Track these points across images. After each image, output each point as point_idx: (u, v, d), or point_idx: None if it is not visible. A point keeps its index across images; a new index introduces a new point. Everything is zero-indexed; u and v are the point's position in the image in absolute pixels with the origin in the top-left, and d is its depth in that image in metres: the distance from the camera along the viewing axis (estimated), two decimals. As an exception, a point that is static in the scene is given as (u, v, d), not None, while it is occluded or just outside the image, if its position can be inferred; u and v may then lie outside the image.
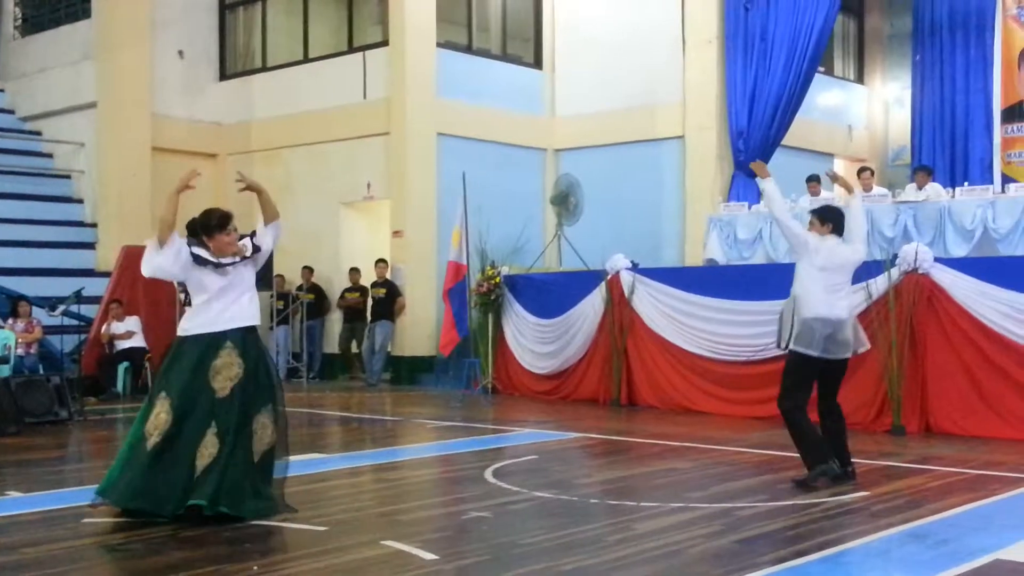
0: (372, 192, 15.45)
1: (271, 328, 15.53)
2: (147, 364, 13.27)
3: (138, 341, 13.37)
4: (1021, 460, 7.77)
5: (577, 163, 15.81)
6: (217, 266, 6.06)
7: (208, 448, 5.82)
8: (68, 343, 13.30)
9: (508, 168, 15.77)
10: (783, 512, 6.04)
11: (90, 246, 16.00)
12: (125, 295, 13.65)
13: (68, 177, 16.75)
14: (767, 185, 7.13)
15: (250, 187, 6.41)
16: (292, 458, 6.26)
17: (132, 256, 13.98)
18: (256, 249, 6.21)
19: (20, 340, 11.93)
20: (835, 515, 5.98)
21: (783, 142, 15.04)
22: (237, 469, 5.81)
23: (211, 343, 5.95)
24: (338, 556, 5.13)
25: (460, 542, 5.52)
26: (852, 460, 6.95)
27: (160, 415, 5.85)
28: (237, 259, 6.12)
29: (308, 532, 5.62)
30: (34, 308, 12.70)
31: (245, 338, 6.02)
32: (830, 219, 6.97)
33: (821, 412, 6.99)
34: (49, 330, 12.84)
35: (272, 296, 15.28)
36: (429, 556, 5.07)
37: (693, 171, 15.05)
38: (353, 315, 15.35)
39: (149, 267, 6.24)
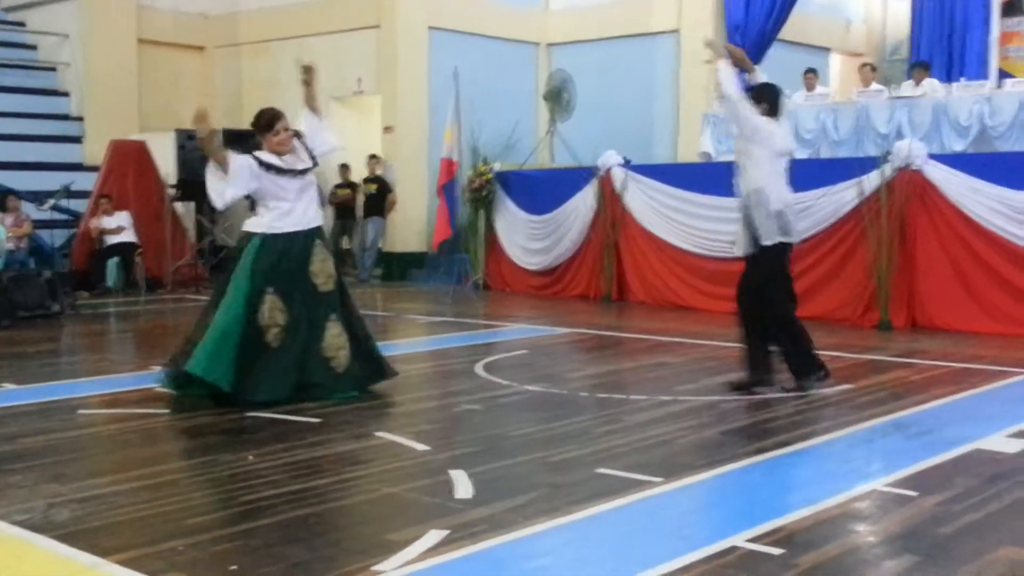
0: (362, 87, 15.25)
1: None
2: (138, 259, 13.26)
3: (128, 236, 13.34)
4: (1004, 354, 7.89)
5: (570, 58, 15.59)
6: (293, 173, 6.28)
7: (337, 342, 6.26)
8: (58, 238, 13.27)
9: (500, 63, 15.55)
10: (768, 405, 6.15)
11: (77, 140, 15.82)
12: (114, 190, 13.57)
13: (53, 69, 16.46)
14: (722, 65, 6.44)
15: (308, 78, 6.56)
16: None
17: (121, 150, 13.91)
18: (314, 161, 6.42)
19: (10, 234, 11.90)
20: (819, 407, 6.09)
21: (780, 36, 14.81)
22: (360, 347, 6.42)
23: (305, 241, 6.27)
24: (332, 447, 5.22)
25: (451, 434, 5.62)
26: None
27: (273, 311, 6.09)
28: (310, 164, 6.36)
29: (302, 423, 5.71)
30: (23, 202, 12.63)
31: (324, 236, 6.49)
32: (766, 98, 6.41)
33: (790, 304, 6.62)
34: (39, 225, 12.80)
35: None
36: (421, 447, 5.17)
37: (687, 66, 14.84)
38: (344, 211, 15.29)
39: (222, 199, 6.26)
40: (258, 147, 6.35)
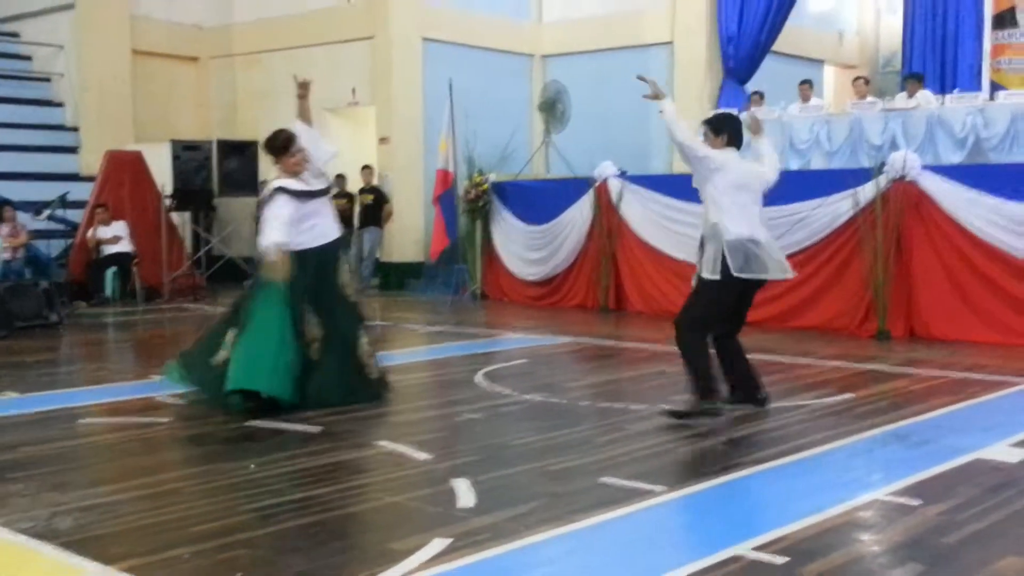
0: (357, 98, 15.27)
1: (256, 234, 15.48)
2: (135, 269, 13.24)
3: (125, 246, 13.31)
4: (1003, 363, 7.91)
5: (564, 69, 15.64)
6: (316, 195, 6.48)
7: (369, 349, 6.57)
8: (55, 248, 13.26)
9: (495, 74, 15.59)
10: (768, 414, 6.16)
11: (72, 150, 15.82)
12: (110, 200, 13.55)
13: (48, 80, 16.47)
14: (666, 105, 6.22)
15: (303, 92, 6.79)
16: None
17: (116, 161, 13.90)
18: (327, 184, 6.70)
19: (6, 245, 11.89)
20: (819, 417, 6.11)
21: (773, 48, 14.89)
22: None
23: (332, 254, 6.52)
24: (333, 456, 5.22)
25: (453, 443, 5.62)
26: (764, 388, 6.30)
27: (311, 326, 6.28)
28: (329, 185, 6.68)
29: (303, 433, 5.71)
30: (19, 213, 12.61)
31: (345, 247, 6.81)
32: (725, 128, 6.16)
33: (728, 339, 6.28)
34: (35, 235, 12.78)
35: (258, 202, 15.19)
36: (422, 456, 5.16)
37: (681, 77, 14.91)
38: (341, 221, 15.27)
39: (278, 240, 6.26)
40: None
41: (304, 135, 6.55)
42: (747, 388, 6.23)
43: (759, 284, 6.17)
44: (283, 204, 6.29)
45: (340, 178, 15.15)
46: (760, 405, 6.19)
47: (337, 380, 6.33)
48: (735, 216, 5.95)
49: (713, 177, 6.01)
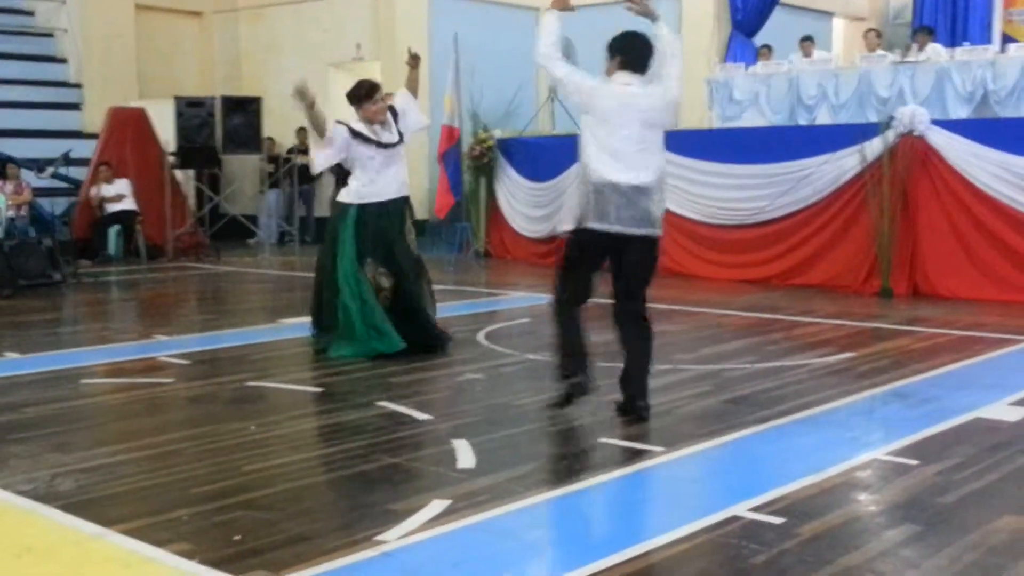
0: (362, 53, 15.14)
1: (261, 192, 15.46)
2: (138, 227, 13.24)
3: (129, 204, 13.30)
4: (1006, 321, 7.89)
5: (571, 24, 15.38)
6: (379, 145, 6.65)
7: (431, 300, 6.91)
8: (58, 206, 13.23)
9: (500, 29, 15.43)
10: (770, 373, 6.16)
11: (75, 107, 15.75)
12: (113, 157, 13.51)
13: (51, 36, 16.35)
14: (548, 18, 5.35)
15: (414, 63, 6.99)
16: (289, 321, 6.39)
17: (119, 118, 13.84)
18: (401, 137, 6.79)
19: (10, 202, 11.87)
20: (820, 376, 6.10)
21: (782, 1, 14.71)
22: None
23: (395, 208, 6.69)
24: (334, 416, 5.24)
25: (453, 403, 5.63)
26: (647, 398, 5.14)
27: (378, 276, 6.59)
28: (396, 139, 6.72)
29: (304, 393, 5.73)
30: (22, 170, 12.58)
31: (411, 205, 6.92)
32: (619, 50, 5.19)
33: (620, 317, 5.30)
34: (38, 192, 12.75)
35: (262, 159, 15.15)
36: (423, 416, 5.18)
37: (689, 30, 14.71)
38: (344, 178, 15.23)
39: (317, 163, 6.90)
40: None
41: (402, 99, 6.85)
42: (626, 392, 5.17)
43: (640, 241, 5.07)
44: (338, 131, 6.55)
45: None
46: (638, 416, 5.07)
47: (406, 330, 6.59)
48: (602, 156, 4.98)
49: (587, 107, 5.11)
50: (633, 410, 5.08)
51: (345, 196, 6.77)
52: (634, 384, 5.12)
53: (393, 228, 6.70)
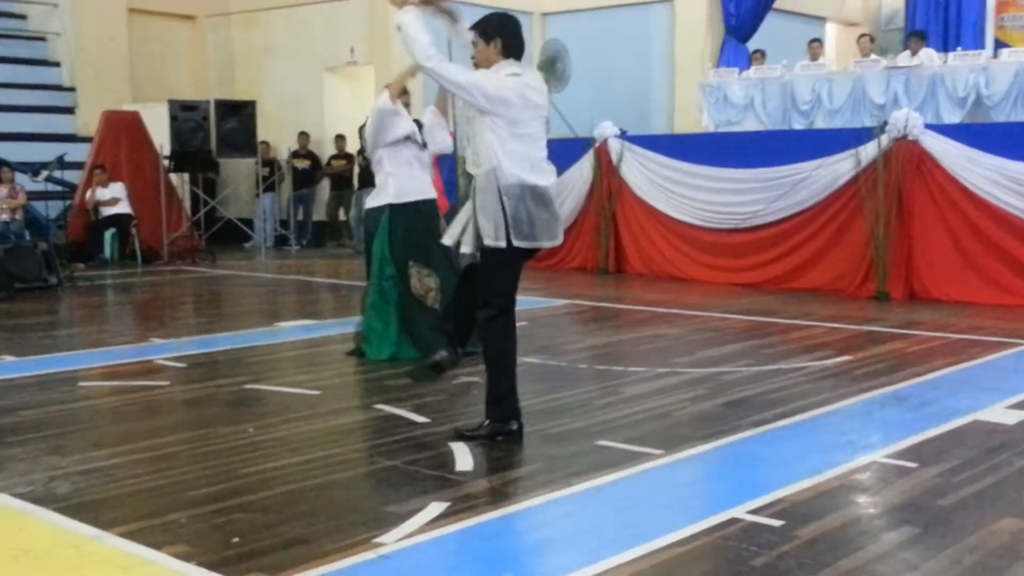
0: (355, 57, 15.14)
1: (256, 195, 15.45)
2: (134, 230, 13.22)
3: (124, 207, 13.29)
4: (1002, 324, 7.90)
5: (564, 27, 15.48)
6: (417, 141, 6.63)
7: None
8: (53, 210, 13.21)
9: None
10: (766, 376, 6.16)
11: (69, 110, 15.73)
12: (108, 161, 13.49)
13: (43, 39, 16.33)
14: (406, 18, 4.54)
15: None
16: (285, 324, 6.37)
17: (113, 121, 13.82)
18: (423, 144, 6.72)
19: (4, 206, 11.86)
20: (817, 379, 6.11)
21: (776, 6, 14.75)
22: None
23: (431, 207, 6.70)
24: (332, 419, 5.23)
25: (451, 406, 5.62)
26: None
27: (422, 279, 6.58)
28: (420, 141, 6.70)
29: (302, 396, 5.71)
30: (17, 174, 12.56)
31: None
32: (497, 32, 4.62)
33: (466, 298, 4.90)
34: (33, 196, 12.74)
35: (257, 163, 15.14)
36: (421, 419, 5.17)
37: (682, 36, 14.78)
38: (340, 182, 15.24)
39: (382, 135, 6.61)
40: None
41: (430, 117, 6.70)
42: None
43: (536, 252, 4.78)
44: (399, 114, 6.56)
45: (340, 138, 15.09)
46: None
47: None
48: (517, 161, 4.57)
49: (490, 109, 4.53)
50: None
51: (377, 199, 6.67)
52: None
53: (430, 226, 6.64)
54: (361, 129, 6.96)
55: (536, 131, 4.64)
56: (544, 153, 4.70)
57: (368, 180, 14.43)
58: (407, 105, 6.73)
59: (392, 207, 6.58)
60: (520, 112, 4.57)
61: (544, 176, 4.66)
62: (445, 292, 6.51)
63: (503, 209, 4.54)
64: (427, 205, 6.71)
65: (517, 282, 4.80)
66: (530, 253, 4.71)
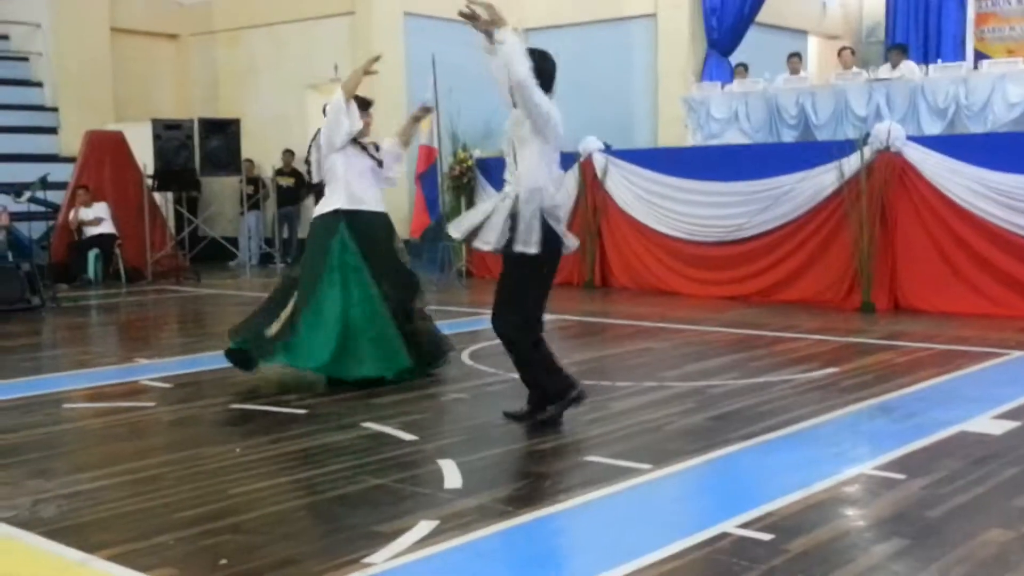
0: (338, 74, 15.12)
1: (241, 214, 15.41)
2: (117, 250, 13.16)
3: (107, 227, 13.23)
4: (987, 335, 7.94)
5: (547, 43, 15.38)
6: (369, 153, 6.63)
7: (426, 314, 6.71)
8: (36, 230, 13.14)
9: (478, 49, 15.39)
10: (754, 389, 6.17)
11: (52, 131, 15.66)
12: (91, 181, 13.45)
13: (26, 59, 16.27)
14: (508, 35, 5.20)
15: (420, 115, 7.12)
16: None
17: (97, 141, 13.78)
18: (378, 161, 6.72)
19: (-13, 227, 11.77)
20: (805, 391, 6.12)
21: (756, 19, 14.84)
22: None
23: (384, 220, 6.64)
24: (318, 438, 5.20)
25: (438, 424, 5.61)
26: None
27: (363, 288, 6.40)
28: (380, 157, 6.70)
29: (288, 415, 5.69)
30: (-1, 195, 12.50)
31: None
32: (545, 71, 5.30)
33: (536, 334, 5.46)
34: (16, 217, 12.66)
35: (241, 181, 15.11)
36: (408, 437, 5.15)
37: (665, 50, 14.85)
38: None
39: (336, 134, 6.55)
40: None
41: (391, 147, 6.81)
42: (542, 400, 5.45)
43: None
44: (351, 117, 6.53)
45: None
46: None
47: (383, 350, 6.37)
48: (554, 180, 5.28)
49: (548, 136, 5.19)
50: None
51: (328, 205, 6.57)
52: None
53: (383, 239, 6.64)
54: (310, 146, 6.83)
55: (558, 156, 5.39)
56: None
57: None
58: (367, 125, 6.67)
59: (346, 212, 6.49)
60: (558, 137, 5.28)
61: (562, 194, 5.48)
62: (389, 307, 6.44)
63: (547, 220, 5.16)
64: (381, 218, 6.66)
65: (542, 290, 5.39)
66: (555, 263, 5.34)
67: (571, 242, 5.40)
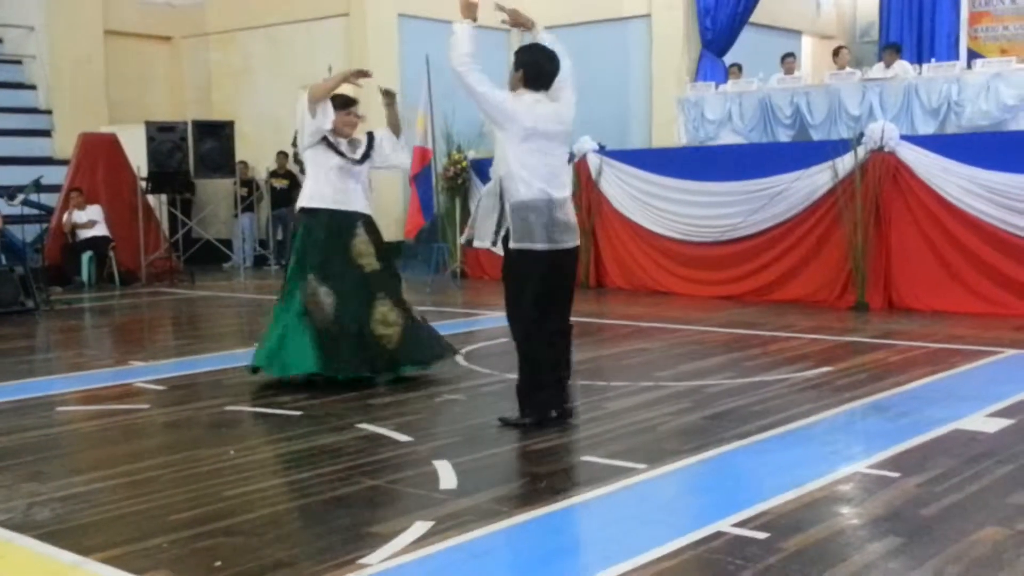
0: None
1: (235, 216, 15.39)
2: (111, 253, 13.15)
3: (101, 230, 13.21)
4: (981, 333, 7.95)
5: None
6: (338, 152, 6.50)
7: (388, 319, 6.48)
8: (30, 233, 13.12)
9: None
10: (749, 389, 6.17)
11: (46, 133, 15.65)
12: (85, 184, 13.42)
13: (19, 63, 16.26)
14: (459, 26, 5.27)
15: (389, 100, 6.82)
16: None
17: (90, 144, 13.75)
18: (366, 156, 6.65)
19: (-20, 231, 11.75)
20: (799, 390, 6.12)
21: (751, 20, 14.85)
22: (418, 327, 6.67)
23: (350, 220, 6.48)
24: (313, 439, 5.19)
25: (433, 424, 5.61)
26: (571, 401, 5.42)
27: (317, 294, 6.30)
28: (358, 155, 6.58)
29: (282, 417, 5.68)
30: (-8, 198, 12.48)
31: (370, 224, 6.58)
32: (521, 64, 5.23)
33: (550, 330, 5.28)
34: (9, 220, 12.64)
35: (235, 183, 15.10)
36: (403, 438, 5.15)
37: (659, 50, 14.87)
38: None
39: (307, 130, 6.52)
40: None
41: (386, 140, 6.74)
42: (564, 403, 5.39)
43: (571, 251, 5.25)
44: (323, 114, 6.43)
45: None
46: (564, 419, 5.34)
47: (348, 351, 6.31)
48: (524, 173, 5.09)
49: (505, 125, 5.13)
50: (569, 414, 5.34)
51: (303, 200, 6.53)
52: (564, 393, 5.37)
53: (342, 240, 6.46)
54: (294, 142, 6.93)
55: (553, 150, 5.18)
56: (560, 171, 5.24)
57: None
58: (350, 124, 6.57)
59: (302, 210, 6.48)
60: (532, 129, 5.09)
61: (555, 190, 5.15)
62: (341, 315, 6.29)
63: (515, 214, 5.05)
64: (339, 217, 6.46)
65: (541, 290, 5.19)
66: (555, 256, 5.13)
67: (565, 240, 5.16)
